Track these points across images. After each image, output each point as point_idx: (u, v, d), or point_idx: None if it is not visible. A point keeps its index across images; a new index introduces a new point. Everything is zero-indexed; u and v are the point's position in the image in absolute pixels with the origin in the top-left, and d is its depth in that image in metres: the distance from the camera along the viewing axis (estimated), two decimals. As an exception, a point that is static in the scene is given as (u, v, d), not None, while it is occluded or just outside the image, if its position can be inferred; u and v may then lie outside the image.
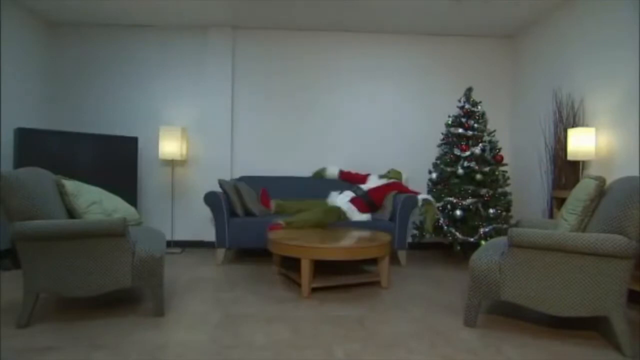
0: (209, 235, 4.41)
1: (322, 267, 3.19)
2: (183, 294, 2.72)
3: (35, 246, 2.07)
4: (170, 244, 4.37)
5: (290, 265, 3.24)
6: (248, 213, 3.77)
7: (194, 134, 4.48)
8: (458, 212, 3.54)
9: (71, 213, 2.41)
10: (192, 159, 4.48)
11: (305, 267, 2.68)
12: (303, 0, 3.76)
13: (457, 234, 3.54)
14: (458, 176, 3.69)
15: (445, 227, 3.62)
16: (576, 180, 3.34)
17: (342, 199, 3.83)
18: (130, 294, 2.70)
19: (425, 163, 4.54)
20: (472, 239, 3.51)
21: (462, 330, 2.15)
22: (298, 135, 4.53)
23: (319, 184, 4.29)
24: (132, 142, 4.09)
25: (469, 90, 3.88)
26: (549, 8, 3.81)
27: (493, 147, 3.74)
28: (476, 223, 3.55)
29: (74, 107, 4.38)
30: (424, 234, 3.73)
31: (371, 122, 4.57)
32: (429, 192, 3.95)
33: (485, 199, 3.62)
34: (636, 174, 2.86)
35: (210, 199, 3.61)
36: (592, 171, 3.28)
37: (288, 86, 4.53)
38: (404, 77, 4.58)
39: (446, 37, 4.59)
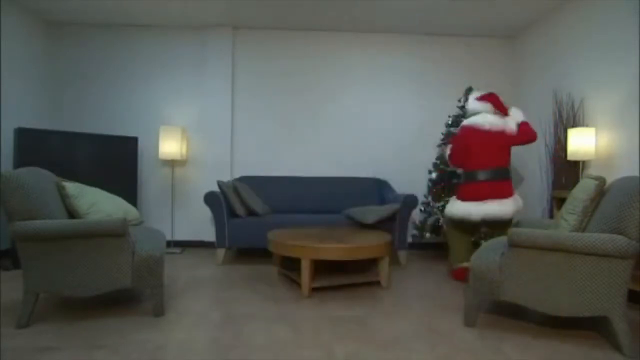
0: (209, 235, 4.41)
1: (322, 267, 3.18)
2: (183, 294, 2.72)
3: (35, 246, 2.07)
4: (170, 244, 4.37)
5: (291, 265, 3.24)
6: (251, 212, 3.77)
7: (194, 134, 4.48)
8: (458, 212, 3.53)
9: (73, 215, 2.41)
10: (192, 159, 4.48)
11: (305, 267, 2.68)
12: (303, 1, 3.76)
13: (457, 234, 3.53)
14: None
15: (445, 227, 3.61)
16: (576, 180, 3.34)
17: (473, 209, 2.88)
18: (130, 294, 2.70)
19: (425, 163, 4.55)
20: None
21: (462, 330, 2.15)
22: (298, 135, 4.53)
23: (317, 184, 4.29)
24: (132, 142, 4.09)
25: (469, 90, 3.89)
26: (549, 8, 3.81)
27: (493, 147, 3.73)
28: (476, 223, 3.54)
29: (74, 107, 4.38)
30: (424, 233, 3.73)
31: (371, 122, 4.57)
32: (429, 192, 3.95)
33: (485, 199, 3.61)
34: (636, 174, 2.86)
35: (210, 199, 3.61)
36: (592, 171, 3.28)
37: (288, 86, 4.53)
38: (404, 77, 4.58)
39: (446, 37, 4.58)
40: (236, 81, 4.50)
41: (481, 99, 3.08)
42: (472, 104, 3.13)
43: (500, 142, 2.94)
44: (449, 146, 3.25)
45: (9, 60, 3.78)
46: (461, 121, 3.78)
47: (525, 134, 2.97)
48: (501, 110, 3.04)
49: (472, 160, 2.95)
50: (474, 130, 2.97)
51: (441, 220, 3.66)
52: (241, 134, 4.50)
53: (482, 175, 2.89)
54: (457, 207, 2.98)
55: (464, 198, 2.96)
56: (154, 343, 1.93)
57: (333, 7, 3.89)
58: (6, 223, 3.60)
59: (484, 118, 2.98)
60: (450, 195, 3.67)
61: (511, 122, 3.01)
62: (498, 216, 2.82)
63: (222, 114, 4.40)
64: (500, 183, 2.89)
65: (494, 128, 2.94)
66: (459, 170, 3.36)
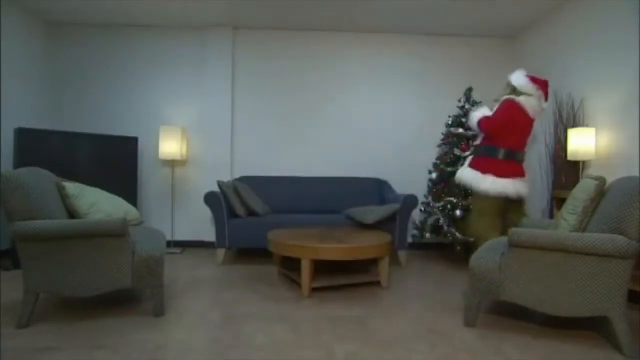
0: (209, 235, 4.41)
1: (322, 267, 3.18)
2: (183, 294, 2.72)
3: (35, 246, 2.07)
4: (170, 244, 4.37)
5: (291, 265, 3.24)
6: (251, 212, 3.77)
7: (194, 134, 4.48)
8: (458, 212, 3.54)
9: (73, 215, 2.41)
10: (192, 159, 4.48)
11: (305, 267, 2.68)
12: (303, 1, 3.76)
13: (457, 234, 3.53)
14: (454, 177, 3.68)
15: (445, 227, 3.61)
16: (576, 180, 3.34)
17: (462, 170, 3.27)
18: (130, 294, 2.70)
19: (425, 163, 4.55)
20: (472, 239, 3.50)
21: (462, 330, 2.15)
22: (298, 135, 4.53)
23: (317, 184, 4.29)
24: (132, 142, 4.09)
25: (469, 90, 3.88)
26: (549, 8, 3.81)
27: (493, 147, 3.72)
28: (476, 223, 3.54)
29: (74, 107, 4.38)
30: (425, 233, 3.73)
31: (371, 122, 4.57)
32: (429, 192, 3.95)
33: (485, 199, 3.61)
34: (636, 174, 2.86)
35: (210, 199, 3.61)
36: (592, 171, 3.28)
37: (288, 86, 4.53)
38: (404, 77, 4.58)
39: (447, 37, 4.58)
40: (236, 81, 4.50)
41: (535, 81, 3.13)
42: (523, 80, 3.13)
43: (531, 128, 3.14)
44: (482, 110, 3.24)
45: (9, 60, 3.78)
46: (461, 121, 3.78)
47: None
48: (546, 99, 3.19)
49: (513, 139, 3.06)
50: (522, 111, 3.05)
51: (441, 220, 3.65)
52: (241, 134, 4.50)
53: (520, 156, 3.12)
54: (497, 183, 3.04)
55: (502, 174, 3.07)
56: (154, 343, 1.93)
57: (333, 7, 3.89)
58: (6, 223, 3.60)
59: (535, 105, 3.09)
60: (450, 196, 3.66)
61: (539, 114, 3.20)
62: (523, 193, 3.11)
63: (222, 114, 4.40)
64: (523, 165, 3.15)
65: (532, 115, 3.12)
66: (474, 133, 3.33)
